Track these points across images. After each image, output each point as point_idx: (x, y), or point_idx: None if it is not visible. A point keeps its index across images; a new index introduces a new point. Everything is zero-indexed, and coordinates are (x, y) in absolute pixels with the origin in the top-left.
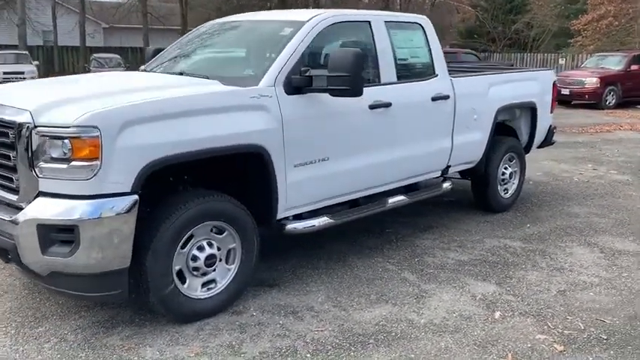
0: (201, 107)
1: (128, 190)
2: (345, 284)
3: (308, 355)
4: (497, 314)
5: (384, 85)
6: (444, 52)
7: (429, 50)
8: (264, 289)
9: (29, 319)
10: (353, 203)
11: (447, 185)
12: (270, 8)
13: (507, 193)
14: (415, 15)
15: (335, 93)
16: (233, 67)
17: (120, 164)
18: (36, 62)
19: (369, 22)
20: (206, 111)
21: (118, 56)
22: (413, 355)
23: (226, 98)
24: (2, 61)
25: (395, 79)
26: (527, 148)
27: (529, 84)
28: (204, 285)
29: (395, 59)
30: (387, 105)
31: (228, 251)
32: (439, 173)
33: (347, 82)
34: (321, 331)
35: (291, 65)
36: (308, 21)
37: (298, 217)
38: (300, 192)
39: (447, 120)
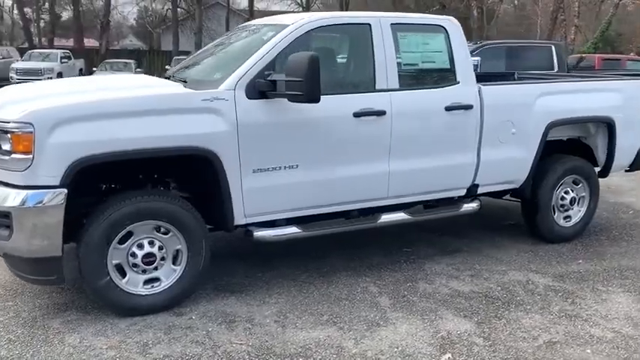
0: (143, 109)
1: (57, 183)
2: (307, 300)
3: None
4: (445, 357)
5: (378, 92)
6: (606, 59)
7: (451, 55)
8: (224, 294)
9: (8, 293)
10: (347, 215)
11: (470, 206)
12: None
13: (569, 221)
14: (440, 17)
15: (292, 99)
16: (211, 71)
17: (51, 159)
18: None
19: (369, 24)
20: (148, 112)
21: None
22: None
23: (173, 101)
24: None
25: (396, 86)
26: (605, 171)
27: (605, 95)
28: (147, 282)
29: (398, 64)
30: (380, 113)
31: (175, 252)
32: (463, 192)
33: (301, 88)
34: (240, 344)
35: (258, 69)
36: (290, 25)
37: (271, 225)
38: (263, 199)
39: (470, 132)
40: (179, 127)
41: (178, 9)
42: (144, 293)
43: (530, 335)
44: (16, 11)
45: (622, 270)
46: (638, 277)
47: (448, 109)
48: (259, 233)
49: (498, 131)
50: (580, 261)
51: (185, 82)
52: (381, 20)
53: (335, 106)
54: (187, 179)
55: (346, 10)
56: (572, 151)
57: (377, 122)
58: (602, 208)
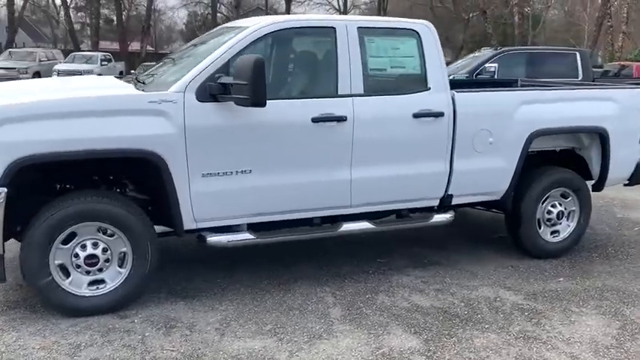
0: (84, 109)
1: None
2: (257, 309)
3: None
4: None
5: (340, 97)
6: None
7: (423, 61)
8: (175, 299)
9: None
10: (310, 223)
11: (442, 217)
12: None
13: (557, 236)
14: (414, 21)
15: (238, 102)
16: (171, 73)
17: None
18: None
19: (333, 28)
20: (89, 113)
21: None
22: None
23: (117, 102)
24: None
25: (360, 92)
26: (599, 185)
27: (597, 105)
28: (92, 283)
29: (364, 69)
30: (340, 119)
31: (121, 255)
32: (436, 202)
33: (246, 91)
34: (171, 351)
35: (210, 72)
36: (248, 27)
37: (229, 230)
38: (214, 203)
39: (441, 141)
40: (122, 129)
41: (218, 14)
42: (88, 294)
43: (478, 356)
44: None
45: (604, 290)
46: (618, 299)
47: (416, 116)
48: (213, 239)
49: (474, 140)
50: (561, 279)
51: (144, 84)
52: (347, 24)
53: (292, 110)
54: (142, 182)
55: (384, 15)
56: (566, 163)
57: (337, 128)
58: (606, 222)
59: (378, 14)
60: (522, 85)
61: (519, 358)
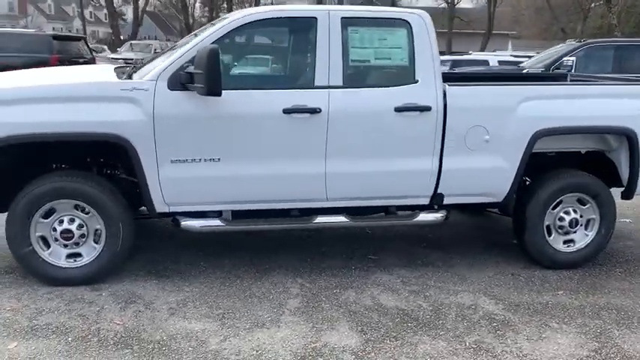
0: (60, 95)
1: None
2: (220, 293)
3: (69, 339)
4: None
5: (317, 88)
6: None
7: (412, 52)
8: (150, 278)
9: None
10: (287, 214)
11: (430, 216)
12: None
13: (572, 246)
14: (406, 10)
15: (198, 91)
16: (157, 62)
17: None
18: None
19: (315, 18)
20: (65, 99)
21: None
22: None
23: (92, 89)
24: None
25: (339, 83)
26: (628, 192)
27: (622, 102)
28: (70, 256)
29: (344, 61)
30: (314, 111)
31: (96, 231)
32: (426, 201)
33: (202, 80)
34: (116, 324)
35: (183, 62)
36: (228, 17)
37: (202, 216)
38: (182, 189)
39: (427, 136)
40: (94, 115)
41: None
42: (64, 266)
43: None
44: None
45: (603, 309)
46: (614, 319)
47: (399, 109)
48: (186, 223)
49: (467, 137)
50: (560, 292)
51: (132, 73)
52: (330, 14)
53: (262, 101)
54: (125, 166)
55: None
56: (597, 166)
57: (311, 120)
58: None
59: (489, 6)
60: (573, 81)
61: None
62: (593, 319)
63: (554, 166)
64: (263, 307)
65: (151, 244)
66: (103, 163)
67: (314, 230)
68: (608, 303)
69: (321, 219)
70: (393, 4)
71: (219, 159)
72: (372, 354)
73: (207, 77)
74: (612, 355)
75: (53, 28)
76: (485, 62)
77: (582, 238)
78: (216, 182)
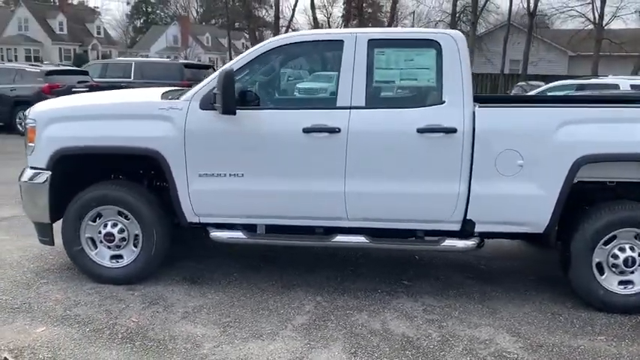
0: (110, 113)
1: (44, 166)
2: (237, 302)
3: (87, 330)
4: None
5: (338, 109)
6: None
7: (440, 73)
8: (182, 283)
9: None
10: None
11: (455, 243)
12: None
13: (630, 288)
14: (437, 31)
15: (218, 110)
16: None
17: (42, 148)
18: None
19: (342, 41)
20: (115, 116)
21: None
22: None
23: (136, 108)
24: None
25: (362, 104)
26: None
27: None
28: (114, 257)
29: (369, 82)
30: (332, 130)
31: (135, 236)
32: (456, 227)
33: (218, 100)
34: (133, 321)
35: (215, 84)
36: (265, 42)
37: (230, 228)
38: (210, 201)
39: (453, 158)
40: (134, 131)
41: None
42: (108, 265)
43: None
44: None
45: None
46: None
47: (421, 130)
48: (214, 234)
49: (498, 161)
50: (601, 337)
51: (182, 93)
52: (357, 36)
53: (283, 120)
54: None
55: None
56: None
57: (330, 139)
58: None
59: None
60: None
61: None
62: None
63: (607, 197)
64: (270, 320)
65: (196, 252)
66: (146, 175)
67: (357, 251)
68: None
69: (340, 238)
70: (530, 28)
71: (242, 174)
72: None
73: (222, 97)
74: None
75: (209, 59)
76: (615, 86)
77: None
78: (240, 196)
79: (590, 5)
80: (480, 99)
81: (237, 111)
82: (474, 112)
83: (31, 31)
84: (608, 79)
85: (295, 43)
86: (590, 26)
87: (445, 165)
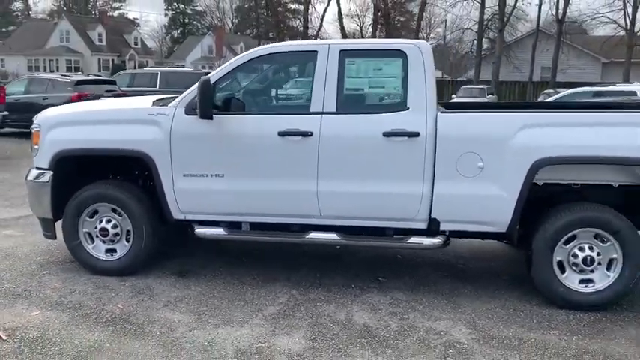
0: (105, 118)
1: (47, 167)
2: (217, 294)
3: (76, 314)
4: None
5: (311, 114)
6: None
7: (405, 81)
8: (170, 276)
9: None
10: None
11: (419, 240)
12: None
13: (590, 286)
14: (404, 41)
15: (198, 115)
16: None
17: (45, 150)
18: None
19: (315, 51)
20: (108, 121)
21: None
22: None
23: (127, 114)
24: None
25: (333, 110)
26: None
27: (628, 131)
28: (107, 251)
29: (340, 89)
30: (305, 134)
31: (128, 231)
32: (422, 225)
33: (198, 106)
34: (118, 307)
35: None
36: (246, 52)
37: (213, 224)
38: (193, 200)
39: (416, 161)
40: (125, 134)
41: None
42: (103, 258)
43: None
44: None
45: (588, 353)
46: None
47: (387, 134)
48: (198, 230)
49: (459, 164)
50: (554, 332)
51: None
52: (330, 47)
53: (260, 124)
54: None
55: None
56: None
57: (303, 143)
58: None
59: None
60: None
61: None
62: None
63: (573, 198)
64: (243, 309)
65: (188, 249)
66: (141, 176)
67: (342, 249)
68: (601, 349)
69: (313, 235)
70: (559, 35)
71: (223, 175)
72: (305, 359)
73: (199, 103)
74: None
75: None
76: (633, 93)
77: (603, 279)
78: (221, 195)
79: (622, 11)
80: (448, 105)
81: (218, 116)
82: (436, 118)
83: (72, 43)
84: (624, 86)
85: (273, 53)
86: (622, 32)
87: (409, 167)
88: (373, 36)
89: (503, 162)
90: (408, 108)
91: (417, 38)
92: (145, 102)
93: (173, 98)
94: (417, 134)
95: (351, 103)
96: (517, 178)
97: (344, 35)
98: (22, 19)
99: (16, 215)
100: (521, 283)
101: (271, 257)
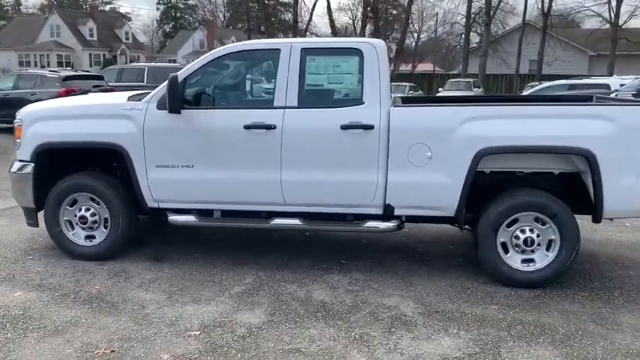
0: (83, 113)
1: (28, 159)
2: (188, 276)
3: (56, 295)
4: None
5: (274, 108)
6: None
7: (361, 77)
8: (147, 261)
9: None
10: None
11: (374, 224)
12: None
13: (532, 265)
14: (360, 40)
15: (168, 109)
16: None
17: (27, 143)
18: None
19: (278, 49)
20: (86, 116)
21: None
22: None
23: (103, 109)
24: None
25: (295, 104)
26: (595, 215)
27: (580, 123)
28: (87, 237)
29: (301, 85)
30: (269, 127)
31: (105, 219)
32: (378, 211)
33: (167, 101)
34: (95, 288)
35: None
36: (213, 50)
37: (186, 212)
38: (165, 189)
39: (371, 151)
40: (101, 128)
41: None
42: (83, 244)
43: (304, 340)
44: None
45: (519, 323)
46: (519, 334)
47: (344, 127)
48: (171, 217)
49: (410, 154)
50: (494, 306)
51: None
52: (292, 46)
53: (227, 118)
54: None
55: None
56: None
57: (267, 135)
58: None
59: None
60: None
61: (324, 353)
62: (499, 330)
63: (516, 185)
64: (211, 289)
65: (166, 238)
66: (119, 167)
67: (313, 236)
68: (534, 320)
69: (278, 221)
70: (545, 28)
71: (192, 165)
72: (264, 330)
73: (168, 98)
74: None
75: None
76: (606, 86)
77: (543, 259)
78: (191, 185)
79: (607, 5)
80: (405, 100)
81: (187, 110)
82: (389, 112)
83: (62, 38)
84: (599, 80)
85: (239, 51)
86: (607, 26)
87: (365, 157)
88: (363, 29)
89: (450, 152)
90: (364, 102)
91: (406, 31)
92: (120, 98)
93: (147, 94)
94: (371, 127)
95: (311, 97)
96: (462, 166)
97: (333, 29)
98: (12, 14)
99: (3, 207)
100: (473, 264)
101: (243, 244)
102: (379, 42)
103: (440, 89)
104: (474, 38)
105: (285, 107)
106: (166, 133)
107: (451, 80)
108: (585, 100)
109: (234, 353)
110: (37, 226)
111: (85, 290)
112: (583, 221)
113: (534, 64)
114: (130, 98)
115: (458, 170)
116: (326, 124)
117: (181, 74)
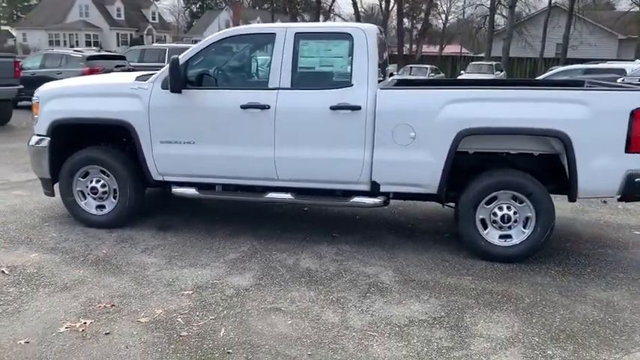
0: (94, 92)
1: (45, 133)
2: (188, 243)
3: (67, 257)
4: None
5: (269, 89)
6: None
7: (351, 60)
8: (153, 230)
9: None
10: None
11: (361, 200)
12: None
13: (509, 241)
14: (350, 25)
15: (170, 89)
16: None
17: (43, 119)
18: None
19: (274, 34)
20: (97, 94)
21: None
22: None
23: (113, 88)
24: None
25: (288, 86)
26: (570, 194)
27: (555, 106)
28: (98, 207)
29: (294, 68)
30: (263, 107)
31: (114, 190)
32: (366, 187)
33: (169, 81)
34: (102, 252)
35: None
36: (214, 34)
37: (188, 185)
38: (169, 163)
39: (357, 131)
40: (111, 106)
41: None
42: (94, 213)
43: (286, 301)
44: None
45: (488, 293)
46: (487, 302)
47: (333, 108)
48: (175, 190)
49: (395, 133)
50: (468, 277)
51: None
52: (287, 30)
53: (225, 98)
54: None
55: None
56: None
57: (261, 114)
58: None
59: None
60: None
61: (302, 312)
62: (468, 298)
63: (498, 165)
64: (208, 255)
65: (172, 210)
66: (128, 142)
67: (311, 211)
68: (503, 290)
69: (271, 195)
70: (571, 10)
71: (193, 142)
72: (250, 292)
73: (170, 79)
74: (445, 325)
75: None
76: (622, 71)
77: (519, 235)
78: (192, 160)
79: None
80: (399, 82)
81: (188, 90)
82: (376, 94)
83: (91, 17)
84: (615, 64)
85: (237, 35)
86: (637, 8)
87: (352, 136)
88: (387, 10)
89: (432, 132)
90: (352, 85)
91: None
92: (129, 77)
93: (153, 74)
94: (358, 108)
95: (304, 80)
96: (443, 146)
97: (356, 10)
98: None
99: (25, 179)
100: (458, 240)
101: (243, 217)
102: (370, 27)
103: (462, 72)
104: (499, 20)
105: (278, 89)
106: (169, 112)
107: (473, 63)
108: (577, 85)
109: (221, 310)
110: (54, 195)
111: (94, 254)
112: (576, 204)
113: (560, 47)
114: (137, 78)
115: (439, 150)
116: (316, 104)
117: (183, 57)
